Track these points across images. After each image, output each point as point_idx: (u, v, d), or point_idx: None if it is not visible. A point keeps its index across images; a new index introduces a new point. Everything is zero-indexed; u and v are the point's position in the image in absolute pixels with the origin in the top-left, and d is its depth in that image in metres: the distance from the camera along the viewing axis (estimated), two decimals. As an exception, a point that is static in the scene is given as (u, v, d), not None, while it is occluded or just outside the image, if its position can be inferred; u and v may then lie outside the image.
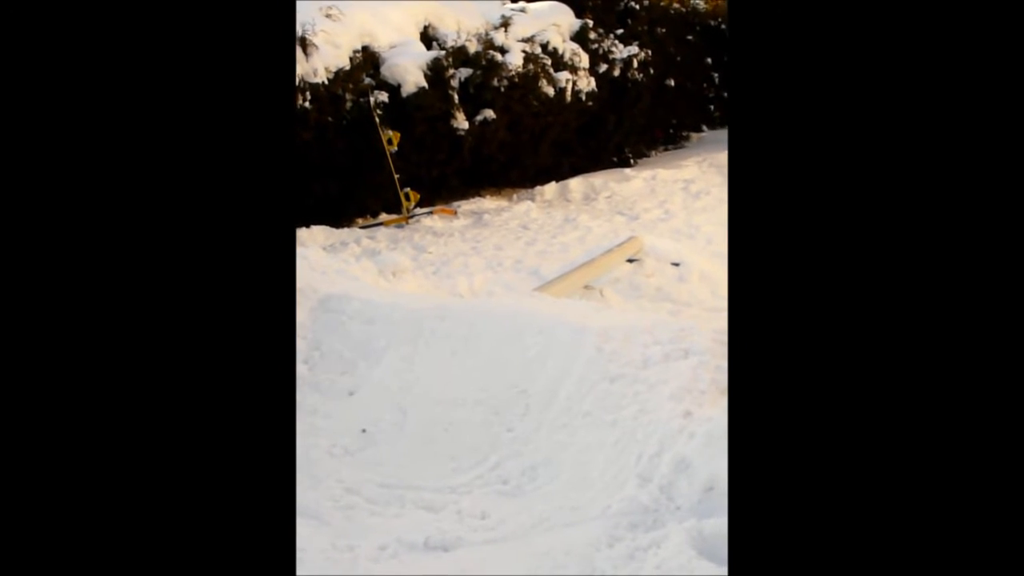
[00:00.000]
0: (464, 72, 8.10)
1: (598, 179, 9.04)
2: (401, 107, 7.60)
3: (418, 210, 7.72)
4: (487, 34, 8.45)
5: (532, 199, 8.55)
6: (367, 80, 7.48)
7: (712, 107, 11.40)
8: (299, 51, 6.89)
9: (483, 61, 8.20)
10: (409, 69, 7.70)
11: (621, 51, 9.75)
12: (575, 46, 9.14)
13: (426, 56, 7.90)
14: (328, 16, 7.36)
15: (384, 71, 7.67)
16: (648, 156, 10.54)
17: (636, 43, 9.95)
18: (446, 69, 7.88)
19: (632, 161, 10.11)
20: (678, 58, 10.66)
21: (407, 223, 7.57)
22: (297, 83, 6.78)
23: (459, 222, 7.71)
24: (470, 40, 8.29)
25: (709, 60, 11.16)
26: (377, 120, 7.37)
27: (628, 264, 5.45)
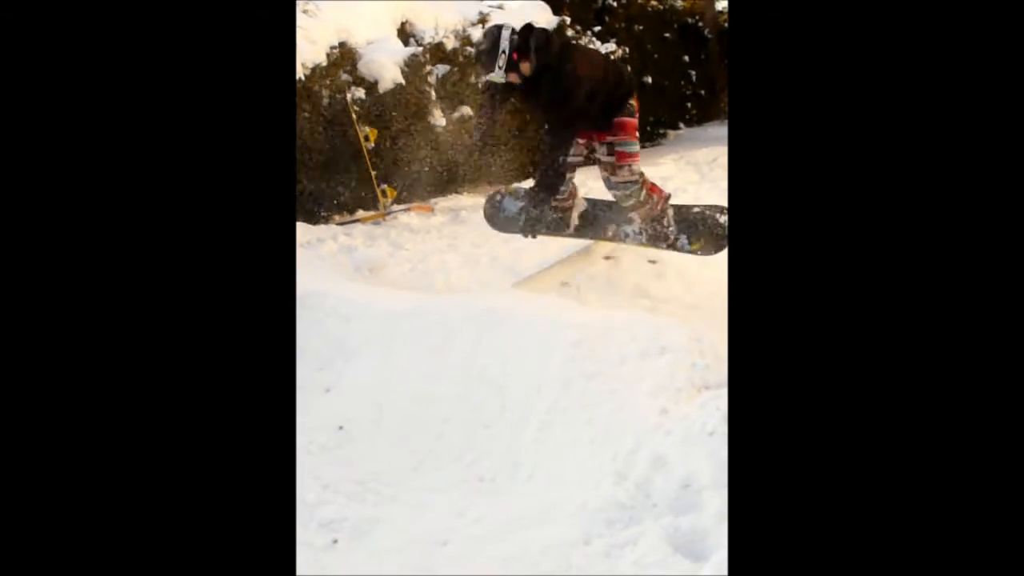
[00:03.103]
0: (441, 68, 8.07)
1: (575, 176, 9.02)
2: (378, 103, 7.56)
3: (395, 207, 7.69)
4: (464, 30, 8.42)
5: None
6: (344, 76, 7.43)
7: (689, 105, 11.42)
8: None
9: (460, 58, 8.18)
10: (386, 65, 7.65)
11: (598, 48, 9.76)
12: (553, 43, 9.10)
13: (403, 52, 7.86)
14: (304, 12, 7.31)
15: (361, 67, 7.62)
16: (625, 153, 10.53)
17: (613, 40, 9.94)
18: (423, 65, 7.85)
19: (609, 158, 10.07)
20: (655, 56, 10.68)
21: (384, 220, 7.54)
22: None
23: (436, 219, 7.68)
24: (447, 36, 8.25)
25: (686, 58, 11.18)
26: (354, 116, 7.34)
27: (605, 261, 5.46)
